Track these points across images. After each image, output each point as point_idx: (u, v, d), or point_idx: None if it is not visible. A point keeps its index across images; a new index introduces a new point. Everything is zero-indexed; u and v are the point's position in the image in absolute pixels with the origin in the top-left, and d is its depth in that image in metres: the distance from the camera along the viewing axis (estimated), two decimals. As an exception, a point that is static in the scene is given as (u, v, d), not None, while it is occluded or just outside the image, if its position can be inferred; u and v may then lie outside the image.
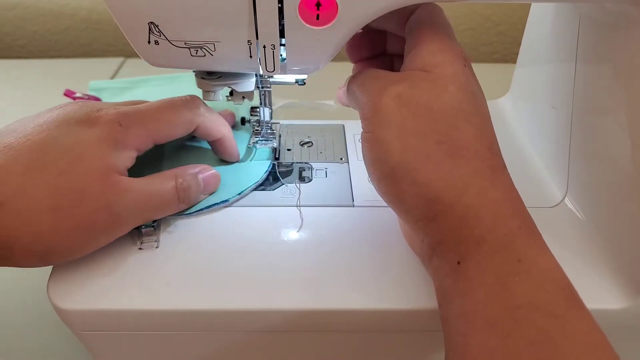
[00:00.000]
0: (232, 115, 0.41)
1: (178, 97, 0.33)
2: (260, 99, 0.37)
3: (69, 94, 0.49)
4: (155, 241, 0.31)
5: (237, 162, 0.37)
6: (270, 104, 0.37)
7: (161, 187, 0.30)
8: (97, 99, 0.51)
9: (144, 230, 0.31)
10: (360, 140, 0.27)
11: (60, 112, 0.29)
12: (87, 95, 0.51)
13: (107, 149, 0.28)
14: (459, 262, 0.24)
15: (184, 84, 0.51)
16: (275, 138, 0.39)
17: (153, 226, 0.31)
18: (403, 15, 0.30)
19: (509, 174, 0.26)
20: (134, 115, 0.31)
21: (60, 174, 0.27)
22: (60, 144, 0.27)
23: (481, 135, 0.26)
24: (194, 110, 0.33)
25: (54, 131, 0.28)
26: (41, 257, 0.27)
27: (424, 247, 0.27)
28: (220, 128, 0.35)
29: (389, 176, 0.25)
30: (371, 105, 0.26)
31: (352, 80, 0.30)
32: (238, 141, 0.38)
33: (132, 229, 0.30)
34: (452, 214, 0.24)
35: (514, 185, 0.26)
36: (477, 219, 0.24)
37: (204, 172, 0.33)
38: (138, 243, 0.31)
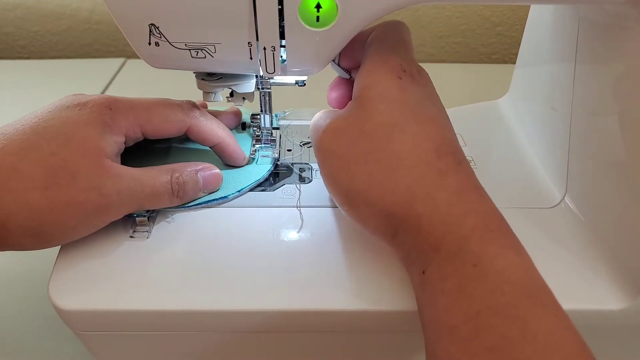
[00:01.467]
0: (239, 112, 0.41)
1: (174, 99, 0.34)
2: (261, 105, 0.37)
3: None
4: (147, 231, 0.31)
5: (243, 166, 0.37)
6: (270, 111, 0.37)
7: (155, 179, 0.30)
8: None
9: (137, 220, 0.31)
10: None
11: (56, 101, 0.30)
12: None
13: (95, 131, 0.29)
14: (423, 272, 0.25)
15: None
16: (275, 146, 0.39)
17: (146, 216, 0.31)
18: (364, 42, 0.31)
19: (466, 170, 0.26)
20: (125, 102, 0.31)
21: (52, 154, 0.27)
22: (50, 125, 0.28)
23: (423, 140, 0.26)
24: (188, 111, 0.33)
25: (46, 115, 0.29)
26: (35, 234, 0.27)
27: (400, 259, 0.28)
28: (217, 132, 0.35)
29: (345, 203, 0.28)
30: (315, 146, 0.29)
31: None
32: (240, 144, 0.38)
33: (127, 217, 0.31)
34: (408, 225, 0.25)
35: (471, 181, 0.26)
36: (430, 225, 0.24)
37: (205, 170, 0.33)
38: (130, 231, 0.31)
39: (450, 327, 0.22)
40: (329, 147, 0.28)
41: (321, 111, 0.30)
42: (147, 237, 0.31)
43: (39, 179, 0.27)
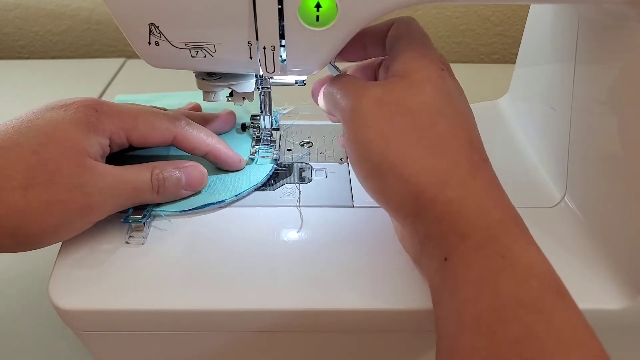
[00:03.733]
0: (232, 114, 0.40)
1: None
2: (261, 106, 0.37)
3: None
4: (143, 237, 0.31)
5: (241, 170, 0.36)
6: (270, 112, 0.37)
7: (136, 176, 0.30)
8: None
9: (134, 225, 0.31)
10: (343, 143, 0.28)
11: (43, 103, 0.30)
12: None
13: (79, 131, 0.29)
14: (445, 259, 0.24)
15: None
16: (275, 147, 0.39)
17: (142, 222, 0.31)
18: (381, 37, 0.31)
19: (491, 168, 0.27)
20: (111, 105, 0.31)
21: (33, 152, 0.27)
22: (33, 125, 0.28)
23: (460, 131, 0.26)
24: (174, 120, 0.33)
25: (31, 116, 0.29)
26: (14, 235, 0.27)
27: (414, 244, 0.27)
28: (205, 140, 0.34)
29: (373, 174, 0.27)
30: (351, 108, 0.27)
31: (330, 84, 0.31)
32: (239, 146, 0.38)
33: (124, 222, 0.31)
34: (436, 207, 0.25)
35: (496, 179, 0.27)
36: (459, 212, 0.24)
37: (188, 168, 0.33)
38: (126, 237, 0.31)
39: (475, 318, 0.22)
40: (371, 113, 0.27)
41: (343, 76, 0.30)
42: (143, 243, 0.31)
43: (18, 178, 0.26)
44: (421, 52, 0.29)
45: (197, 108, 0.41)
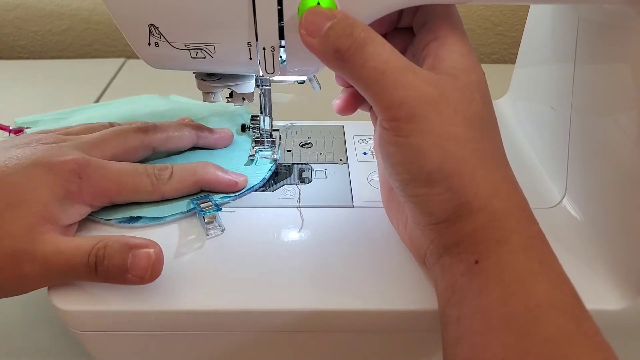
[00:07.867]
0: (230, 134, 0.40)
1: (144, 165, 0.33)
2: (261, 107, 0.37)
3: (2, 127, 0.46)
4: (219, 227, 0.32)
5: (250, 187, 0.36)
6: (270, 112, 0.37)
7: (76, 250, 0.27)
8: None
9: (206, 218, 0.32)
10: (384, 140, 0.26)
11: (27, 150, 0.29)
12: (19, 128, 0.46)
13: (55, 198, 0.28)
14: (476, 262, 0.24)
15: (120, 108, 0.48)
16: (275, 147, 0.39)
17: (217, 210, 0.33)
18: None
19: None
20: (96, 168, 0.30)
21: None
22: (8, 181, 0.27)
23: (500, 143, 0.27)
24: (156, 180, 0.32)
25: (11, 168, 0.28)
26: None
27: (432, 248, 0.27)
28: (192, 181, 0.33)
29: (421, 180, 0.25)
30: (406, 110, 0.25)
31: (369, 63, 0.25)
32: (239, 147, 0.38)
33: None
34: (478, 217, 0.25)
35: None
36: (501, 221, 0.25)
37: (140, 248, 0.27)
38: (205, 230, 0.32)
39: (506, 317, 0.22)
40: (429, 119, 0.24)
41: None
42: (223, 231, 0.32)
43: None
44: (468, 46, 0.27)
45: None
